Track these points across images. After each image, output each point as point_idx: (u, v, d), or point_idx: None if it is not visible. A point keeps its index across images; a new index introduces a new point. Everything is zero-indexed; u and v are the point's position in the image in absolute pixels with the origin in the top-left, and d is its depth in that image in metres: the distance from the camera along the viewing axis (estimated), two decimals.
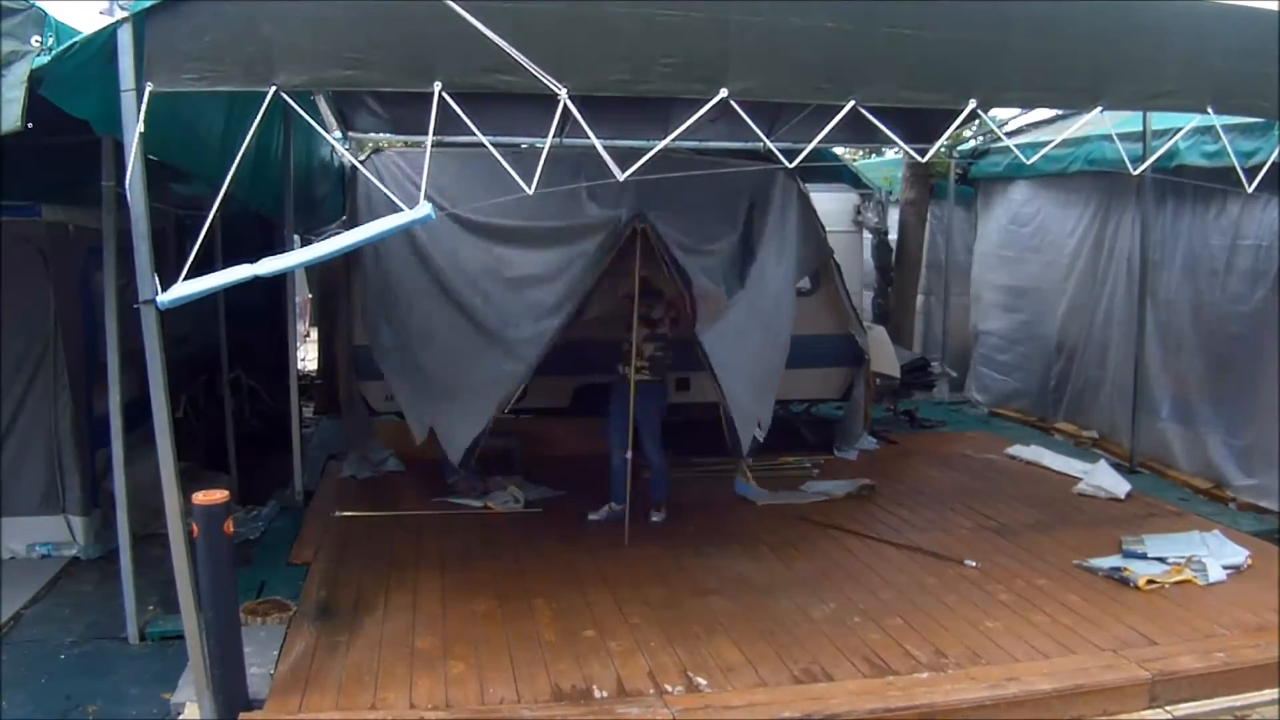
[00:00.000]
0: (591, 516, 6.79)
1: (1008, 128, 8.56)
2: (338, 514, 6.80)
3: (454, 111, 3.80)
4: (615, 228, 6.66)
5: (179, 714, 4.23)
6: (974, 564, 5.85)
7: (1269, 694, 4.50)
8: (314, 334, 12.43)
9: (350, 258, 7.19)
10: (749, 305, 7.04)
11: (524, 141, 7.75)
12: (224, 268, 3.80)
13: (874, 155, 14.73)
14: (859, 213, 9.85)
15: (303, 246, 6.18)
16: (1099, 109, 4.58)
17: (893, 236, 11.14)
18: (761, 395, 7.06)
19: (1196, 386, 7.70)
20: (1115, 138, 5.44)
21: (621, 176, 4.10)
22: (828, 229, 8.41)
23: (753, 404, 6.91)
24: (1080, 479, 7.55)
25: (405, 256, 7.07)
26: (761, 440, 6.92)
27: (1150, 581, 5.47)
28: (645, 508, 6.72)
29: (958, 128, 5.06)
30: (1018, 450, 8.56)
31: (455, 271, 6.96)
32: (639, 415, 6.48)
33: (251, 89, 3.76)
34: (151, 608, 5.14)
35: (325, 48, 3.78)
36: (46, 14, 3.69)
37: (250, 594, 5.30)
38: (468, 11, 3.60)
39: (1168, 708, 4.42)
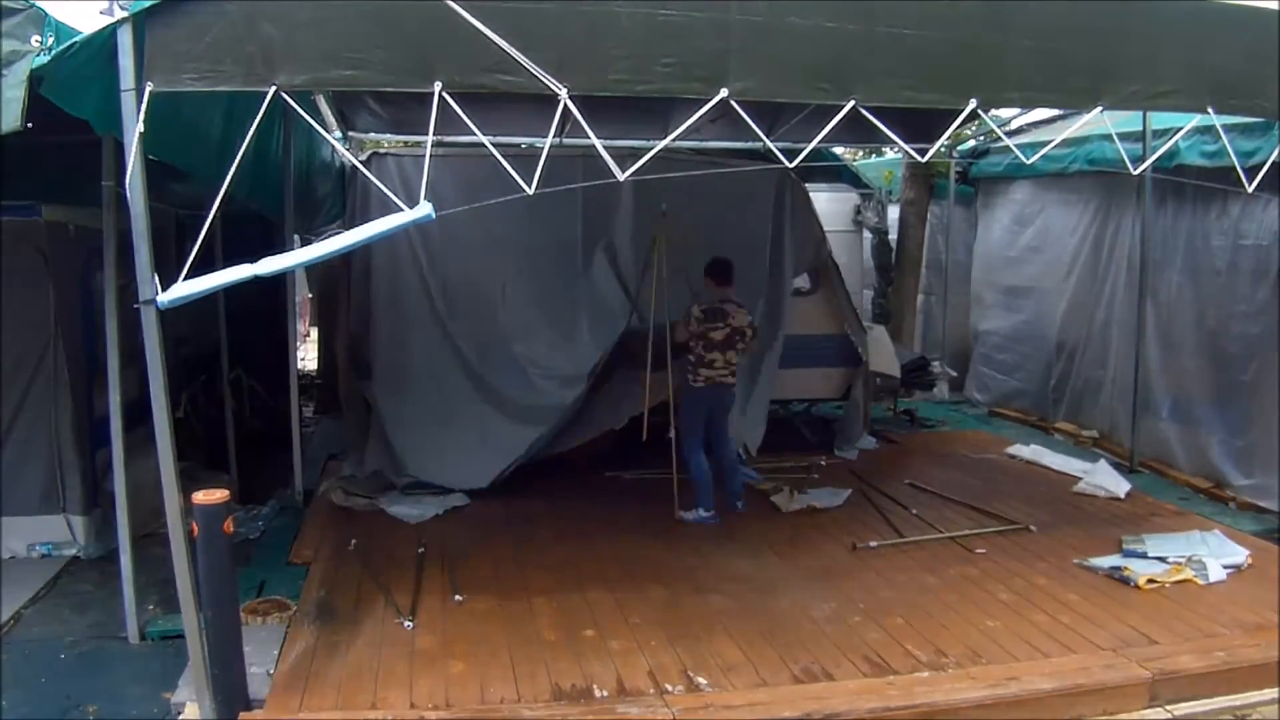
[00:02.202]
0: (685, 517, 6.64)
1: (1008, 128, 8.56)
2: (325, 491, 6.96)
3: (454, 111, 3.80)
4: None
5: (179, 714, 4.23)
6: (982, 550, 6.03)
7: (1269, 693, 4.50)
8: (314, 334, 12.45)
9: (350, 258, 7.19)
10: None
11: (524, 141, 7.75)
12: (224, 268, 3.80)
13: (874, 155, 14.73)
14: (859, 212, 9.86)
15: (303, 246, 6.18)
16: (1099, 109, 4.58)
17: (893, 236, 11.15)
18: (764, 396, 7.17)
19: (1196, 386, 7.69)
20: (1115, 138, 5.43)
21: (621, 176, 4.09)
22: (828, 229, 8.41)
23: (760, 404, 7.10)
24: (1080, 478, 7.55)
25: (414, 281, 7.35)
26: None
27: (1150, 581, 5.47)
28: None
29: (958, 128, 5.06)
30: (1017, 450, 8.56)
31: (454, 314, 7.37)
32: (721, 417, 6.67)
33: (251, 89, 3.76)
34: (151, 607, 5.15)
35: (325, 48, 3.78)
36: (46, 14, 3.69)
37: (250, 594, 5.30)
38: (468, 11, 3.61)
39: (1168, 707, 4.42)
